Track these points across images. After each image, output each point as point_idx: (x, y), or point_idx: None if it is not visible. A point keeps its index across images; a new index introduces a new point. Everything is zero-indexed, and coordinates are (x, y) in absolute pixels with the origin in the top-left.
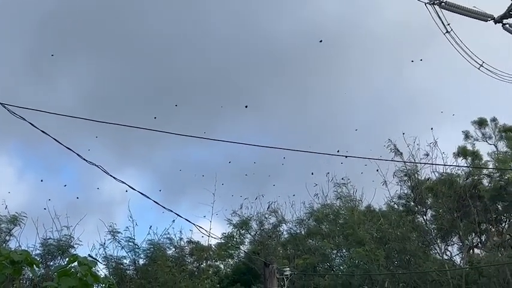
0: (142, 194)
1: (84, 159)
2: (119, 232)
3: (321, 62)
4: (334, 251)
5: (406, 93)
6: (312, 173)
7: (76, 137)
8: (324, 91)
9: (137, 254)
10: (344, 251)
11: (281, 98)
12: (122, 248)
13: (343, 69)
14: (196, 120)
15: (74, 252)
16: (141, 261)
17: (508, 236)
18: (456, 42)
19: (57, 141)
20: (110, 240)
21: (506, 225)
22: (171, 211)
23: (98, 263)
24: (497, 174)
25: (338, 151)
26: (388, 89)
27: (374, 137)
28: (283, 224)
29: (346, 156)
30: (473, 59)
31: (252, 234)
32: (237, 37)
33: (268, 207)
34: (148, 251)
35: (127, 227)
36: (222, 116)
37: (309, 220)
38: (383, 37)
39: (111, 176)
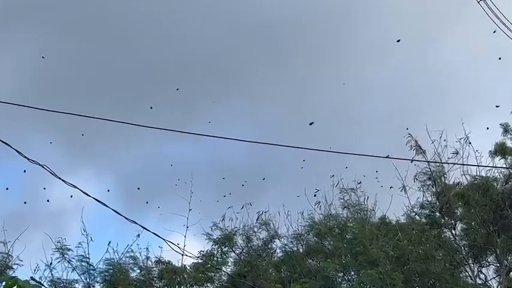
0: (97, 200)
1: (26, 157)
2: (69, 249)
3: (325, 39)
4: (340, 274)
5: (430, 77)
6: (304, 160)
7: (19, 129)
8: (328, 75)
9: (92, 277)
10: (352, 273)
11: (276, 83)
12: (73, 269)
13: (353, 48)
14: (173, 112)
15: (13, 275)
16: (98, 286)
17: None
18: (493, 11)
19: None
20: (58, 260)
21: None
22: (135, 223)
23: (43, 287)
24: None
25: (330, 148)
26: (410, 72)
27: (391, 132)
28: (277, 240)
29: (342, 153)
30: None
31: (237, 252)
32: (219, 10)
33: (258, 218)
34: (106, 273)
35: (79, 243)
36: (205, 106)
37: (308, 235)
38: (403, 8)
39: (59, 178)
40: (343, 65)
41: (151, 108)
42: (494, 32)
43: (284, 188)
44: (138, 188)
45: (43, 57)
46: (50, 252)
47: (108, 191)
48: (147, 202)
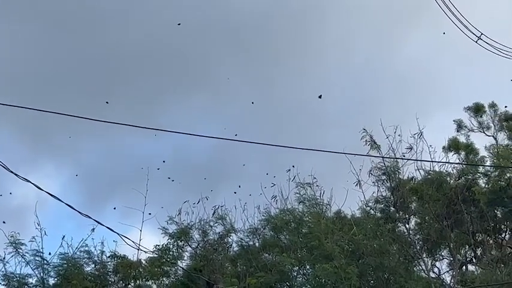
0: (50, 194)
1: None
2: (22, 244)
3: (290, 36)
4: (296, 268)
5: (392, 73)
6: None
7: None
8: (292, 72)
9: (46, 272)
10: (308, 267)
11: (241, 79)
12: (27, 263)
13: (317, 45)
14: (135, 105)
15: None
16: (52, 281)
17: (508, 248)
18: (451, 10)
19: None
20: (12, 254)
21: (507, 236)
22: (89, 217)
23: None
24: (496, 173)
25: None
26: (372, 69)
27: (351, 127)
28: (233, 234)
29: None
30: (470, 31)
31: (193, 246)
32: (185, 5)
33: (214, 212)
34: (60, 268)
35: (33, 237)
36: (168, 100)
37: (264, 229)
38: (366, 6)
39: (12, 172)
40: (307, 62)
41: (107, 102)
42: (444, 33)
43: (244, 184)
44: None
45: None
46: (2, 246)
47: (77, 175)
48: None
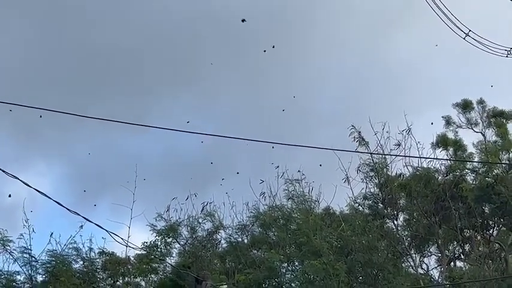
0: (39, 191)
1: None
2: (10, 241)
3: (281, 34)
4: (284, 264)
5: (381, 72)
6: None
7: None
8: (282, 69)
9: (34, 269)
10: (296, 263)
11: (230, 77)
12: (15, 261)
13: (308, 44)
14: (126, 102)
15: None
16: (40, 278)
17: (496, 245)
18: (439, 7)
19: None
20: None
21: (495, 232)
22: (77, 214)
23: None
24: (484, 169)
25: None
26: (362, 66)
27: (341, 125)
28: (221, 231)
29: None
30: (458, 27)
31: (181, 243)
32: (177, 2)
33: (203, 209)
34: (48, 265)
35: (21, 235)
36: (158, 97)
37: (253, 226)
38: (356, 6)
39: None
40: (297, 60)
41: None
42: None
43: (233, 180)
44: (85, 191)
45: None
46: None
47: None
48: (84, 191)
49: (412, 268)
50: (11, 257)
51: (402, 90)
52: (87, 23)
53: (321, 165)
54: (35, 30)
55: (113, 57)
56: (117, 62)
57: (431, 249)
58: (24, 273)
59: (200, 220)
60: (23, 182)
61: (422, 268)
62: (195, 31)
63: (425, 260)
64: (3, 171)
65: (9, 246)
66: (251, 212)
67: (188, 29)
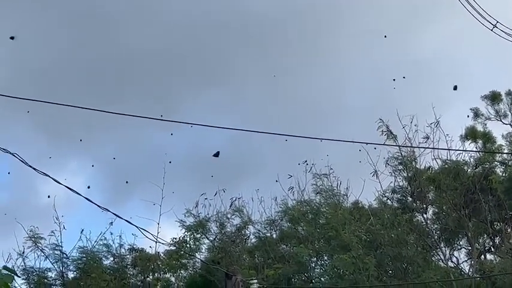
0: (69, 188)
1: None
2: (42, 238)
3: (308, 31)
4: (313, 259)
5: (409, 65)
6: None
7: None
8: (308, 65)
9: (65, 265)
10: (325, 258)
11: (255, 73)
12: (46, 257)
13: (333, 39)
14: (152, 99)
15: None
16: (71, 274)
17: None
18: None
19: None
20: (31, 249)
21: None
22: (108, 210)
23: (16, 276)
24: None
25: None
26: (389, 60)
27: (369, 119)
28: (250, 226)
29: (321, 139)
30: (485, 19)
31: (210, 238)
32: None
33: (231, 204)
34: (79, 261)
35: (52, 232)
36: (184, 94)
37: (281, 221)
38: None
39: (30, 166)
40: (325, 56)
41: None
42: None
43: (260, 176)
44: (127, 182)
45: (12, 38)
46: (22, 241)
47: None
48: (127, 182)
49: (442, 261)
50: (42, 254)
51: (430, 83)
52: (114, 24)
53: (329, 164)
54: (63, 31)
55: (139, 57)
56: (143, 62)
57: (461, 243)
58: (56, 269)
59: (229, 215)
60: (54, 179)
61: (452, 261)
62: (220, 27)
63: (455, 253)
64: (34, 168)
65: (40, 243)
66: (280, 206)
67: (213, 26)
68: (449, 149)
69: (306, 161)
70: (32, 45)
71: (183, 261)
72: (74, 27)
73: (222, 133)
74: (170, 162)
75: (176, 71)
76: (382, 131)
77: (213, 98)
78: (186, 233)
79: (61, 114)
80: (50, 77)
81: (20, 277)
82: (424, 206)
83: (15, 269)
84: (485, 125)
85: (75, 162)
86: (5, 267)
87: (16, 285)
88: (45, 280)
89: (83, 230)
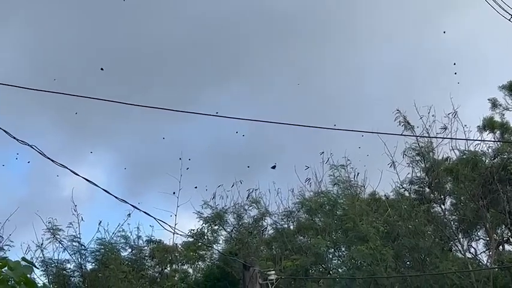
0: (87, 180)
1: (14, 138)
2: (60, 230)
3: (326, 24)
4: (331, 250)
5: (427, 54)
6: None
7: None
8: (329, 59)
9: (84, 257)
10: (343, 249)
11: (277, 68)
12: (65, 249)
13: (352, 30)
14: (172, 91)
15: (4, 255)
16: (89, 266)
17: None
18: None
19: None
20: (49, 240)
21: None
22: (125, 202)
23: (35, 268)
24: None
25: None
26: (408, 51)
27: (388, 111)
28: (267, 217)
29: (335, 129)
30: (504, 9)
31: (228, 230)
32: None
33: (248, 196)
34: (97, 253)
35: (70, 223)
36: (204, 86)
37: (299, 212)
38: None
39: (48, 158)
40: (344, 47)
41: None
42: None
43: (278, 167)
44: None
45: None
46: (40, 233)
47: (125, 168)
48: (146, 175)
49: (460, 252)
50: (61, 246)
51: (448, 74)
52: (140, 16)
53: (360, 147)
54: (88, 22)
55: (160, 49)
56: (165, 54)
57: (479, 233)
58: (74, 261)
59: (246, 207)
60: (72, 171)
61: (470, 252)
62: (242, 22)
63: (473, 244)
64: (52, 160)
65: (59, 235)
66: (297, 198)
67: (235, 21)
68: (467, 139)
69: (322, 152)
70: (56, 36)
71: (201, 252)
72: (99, 19)
73: (241, 125)
74: (190, 159)
75: (198, 64)
76: (400, 121)
77: (233, 90)
78: (203, 225)
79: (83, 106)
80: (73, 68)
81: (38, 268)
82: (442, 196)
83: (34, 261)
84: (503, 115)
85: (95, 154)
86: (23, 259)
87: (35, 276)
88: (64, 271)
89: (100, 221)
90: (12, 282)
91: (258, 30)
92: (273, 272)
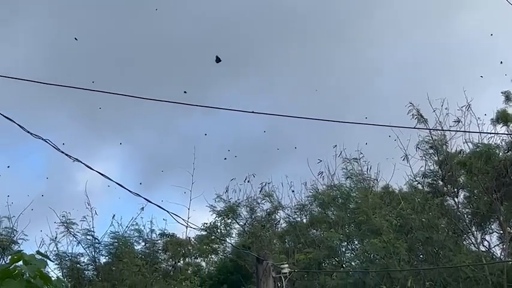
0: (100, 174)
1: (29, 132)
2: (74, 223)
3: (338, 15)
4: (344, 243)
5: (441, 48)
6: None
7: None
8: (343, 53)
9: (98, 251)
10: (356, 242)
11: (292, 62)
12: (78, 243)
13: (367, 24)
14: (186, 85)
15: (18, 249)
16: (103, 259)
17: None
18: None
19: None
20: (63, 234)
21: None
22: (139, 195)
23: (49, 261)
24: None
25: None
26: (422, 44)
27: (401, 104)
28: (280, 211)
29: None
30: None
31: (241, 223)
32: None
33: (261, 189)
34: (111, 247)
35: (84, 217)
36: (218, 80)
37: (311, 205)
38: None
39: (62, 152)
40: (356, 44)
41: None
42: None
43: (290, 161)
44: (162, 171)
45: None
46: (54, 226)
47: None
48: (162, 171)
49: (474, 246)
50: (74, 240)
51: (461, 67)
52: (153, 11)
53: (359, 148)
54: (105, 18)
55: (176, 44)
56: (181, 49)
57: (492, 227)
58: (88, 254)
59: (259, 200)
60: (86, 165)
61: (483, 246)
62: (255, 19)
63: (487, 237)
64: (66, 154)
65: (72, 228)
66: (309, 191)
67: (249, 17)
68: (480, 132)
69: (335, 146)
70: (70, 31)
71: (214, 246)
72: (114, 14)
73: (255, 119)
74: (203, 153)
75: (212, 58)
76: (413, 114)
77: (246, 84)
78: (216, 218)
79: (98, 101)
80: (87, 62)
81: (53, 262)
82: (455, 190)
83: (48, 254)
84: None
85: (110, 148)
86: (38, 252)
87: (49, 270)
88: (78, 265)
89: (114, 215)
90: (27, 276)
91: (271, 27)
92: (286, 265)
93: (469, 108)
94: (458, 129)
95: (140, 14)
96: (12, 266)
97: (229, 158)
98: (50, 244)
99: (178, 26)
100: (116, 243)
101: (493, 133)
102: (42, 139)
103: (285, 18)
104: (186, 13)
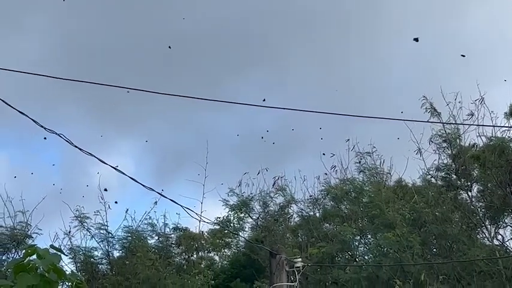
0: (113, 168)
1: (42, 127)
2: (87, 217)
3: (350, 10)
4: (357, 237)
5: (454, 41)
6: (320, 128)
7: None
8: (355, 47)
9: (111, 245)
10: (369, 236)
11: (303, 57)
12: (92, 237)
13: (378, 17)
14: (201, 79)
15: (32, 243)
16: (116, 253)
17: None
18: None
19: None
20: (77, 228)
21: None
22: (152, 190)
23: (63, 255)
24: None
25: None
26: (435, 37)
27: (414, 98)
28: (293, 205)
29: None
30: None
31: (254, 217)
32: None
33: (274, 183)
34: (125, 241)
35: (97, 211)
36: (231, 75)
37: (324, 199)
38: None
39: (75, 146)
40: (368, 37)
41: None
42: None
43: (303, 155)
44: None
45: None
46: (68, 220)
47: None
48: (173, 166)
49: (488, 239)
50: (88, 234)
51: (475, 60)
52: (167, 5)
53: (372, 142)
54: (116, 11)
55: (190, 39)
56: (191, 45)
57: (506, 220)
58: (102, 249)
59: (272, 194)
60: (99, 159)
61: (497, 239)
62: (269, 16)
63: (501, 231)
64: (80, 148)
65: (86, 222)
66: (322, 185)
67: (263, 14)
68: (494, 126)
69: (348, 140)
70: (85, 25)
71: (227, 240)
72: (129, 8)
73: (268, 113)
74: (216, 148)
75: (225, 53)
76: (426, 108)
77: (260, 78)
78: (229, 212)
79: (112, 95)
80: (101, 56)
81: (66, 256)
82: (469, 183)
83: (62, 248)
84: None
85: (124, 142)
86: (52, 246)
87: (63, 264)
88: (92, 259)
89: (127, 209)
90: (41, 270)
91: (283, 21)
92: (300, 259)
93: (483, 102)
94: (471, 123)
95: (156, 8)
96: (27, 260)
97: (241, 153)
98: (63, 238)
99: (196, 23)
100: (130, 238)
101: (506, 126)
102: (56, 133)
103: (296, 12)
104: (202, 9)
